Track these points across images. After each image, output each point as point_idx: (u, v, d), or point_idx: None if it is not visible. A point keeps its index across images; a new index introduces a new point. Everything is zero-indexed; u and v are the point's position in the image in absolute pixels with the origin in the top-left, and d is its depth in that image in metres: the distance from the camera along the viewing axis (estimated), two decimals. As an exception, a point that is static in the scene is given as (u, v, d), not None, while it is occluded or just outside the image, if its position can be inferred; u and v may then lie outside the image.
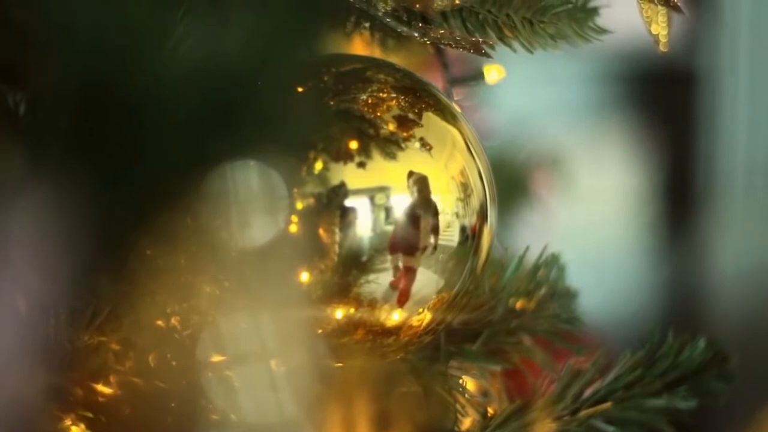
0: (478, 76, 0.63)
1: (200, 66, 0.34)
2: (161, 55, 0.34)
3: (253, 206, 0.38)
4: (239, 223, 0.38)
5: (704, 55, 2.32)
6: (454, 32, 0.54)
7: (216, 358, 0.44)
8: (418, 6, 0.53)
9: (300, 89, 0.43)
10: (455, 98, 0.58)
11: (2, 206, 0.36)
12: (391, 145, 0.49)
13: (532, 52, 0.55)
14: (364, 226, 0.48)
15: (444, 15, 0.54)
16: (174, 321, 0.45)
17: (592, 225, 2.30)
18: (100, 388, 0.45)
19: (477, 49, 0.53)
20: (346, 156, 0.48)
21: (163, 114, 0.34)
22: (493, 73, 0.63)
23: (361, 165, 0.49)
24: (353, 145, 0.49)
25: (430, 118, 0.51)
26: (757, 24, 2.31)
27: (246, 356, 0.43)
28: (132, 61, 0.34)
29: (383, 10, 0.52)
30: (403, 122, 0.50)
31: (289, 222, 0.45)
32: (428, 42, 0.53)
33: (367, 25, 0.55)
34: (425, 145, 0.50)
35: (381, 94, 0.51)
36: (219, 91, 0.34)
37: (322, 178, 0.48)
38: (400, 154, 0.50)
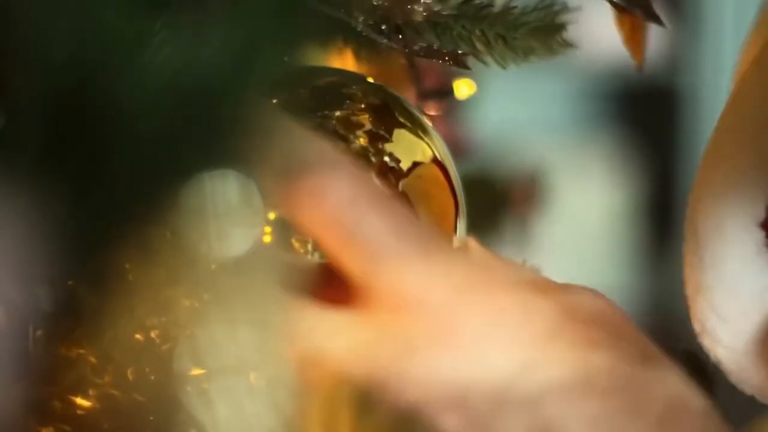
0: (449, 91, 0.63)
1: (177, 76, 0.34)
2: (137, 65, 0.34)
3: (230, 218, 0.38)
4: (216, 235, 0.38)
5: (687, 72, 2.34)
6: (434, 44, 0.54)
7: (195, 372, 0.44)
8: (395, 16, 0.53)
9: (275, 101, 0.43)
10: (429, 112, 0.59)
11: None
12: (361, 159, 0.50)
13: (504, 68, 0.56)
14: None
15: (417, 30, 0.54)
16: (153, 334, 0.45)
17: (573, 242, 2.31)
18: (79, 401, 0.45)
19: (457, 62, 0.54)
20: None
21: (139, 124, 0.34)
22: (463, 88, 0.63)
23: None
24: None
25: (399, 132, 0.52)
26: (740, 42, 2.33)
27: (225, 369, 0.43)
28: (107, 70, 0.34)
29: (362, 22, 0.52)
30: (373, 137, 0.51)
31: (263, 234, 0.45)
32: (408, 54, 0.54)
33: (342, 36, 0.55)
34: (394, 159, 0.51)
35: (353, 109, 0.51)
36: (195, 102, 0.34)
37: None
38: (370, 168, 0.50)
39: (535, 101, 2.20)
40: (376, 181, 0.48)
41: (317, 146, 0.43)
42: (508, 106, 1.81)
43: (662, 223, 2.39)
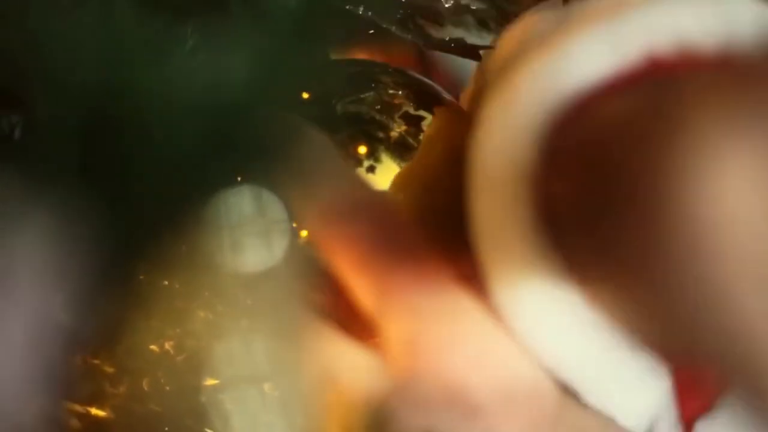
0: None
1: (204, 90, 0.34)
2: (163, 80, 0.34)
3: (252, 232, 0.39)
4: (237, 249, 0.39)
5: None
6: (452, 38, 0.54)
7: (210, 382, 0.45)
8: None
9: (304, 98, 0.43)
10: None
11: (1, 229, 0.37)
12: (400, 148, 0.49)
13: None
14: None
15: (437, 21, 0.54)
16: (168, 345, 0.45)
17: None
18: (95, 411, 0.46)
19: (474, 55, 0.54)
20: (354, 162, 0.48)
21: (164, 139, 0.35)
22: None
23: (371, 169, 0.48)
24: (362, 149, 0.49)
25: (436, 111, 0.51)
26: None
27: (240, 380, 0.44)
28: (132, 86, 0.34)
29: (385, 17, 0.52)
30: (412, 120, 0.50)
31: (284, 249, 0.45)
32: (425, 47, 0.53)
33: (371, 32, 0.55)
34: None
35: (389, 95, 0.51)
36: (221, 115, 0.35)
37: None
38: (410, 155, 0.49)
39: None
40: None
41: (347, 179, 0.42)
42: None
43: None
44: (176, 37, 0.34)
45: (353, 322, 0.45)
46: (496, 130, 0.39)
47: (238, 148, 0.36)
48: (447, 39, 0.54)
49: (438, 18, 0.53)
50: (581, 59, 0.37)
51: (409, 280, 0.42)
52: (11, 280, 0.36)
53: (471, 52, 0.54)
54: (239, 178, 0.37)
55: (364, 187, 0.42)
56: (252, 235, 0.39)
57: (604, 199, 0.35)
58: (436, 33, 0.54)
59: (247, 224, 0.39)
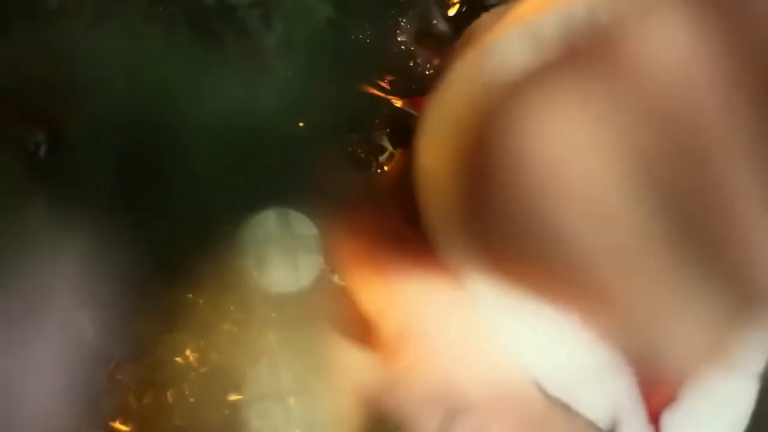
0: None
1: (235, 112, 0.34)
2: (194, 103, 0.34)
3: (282, 249, 0.39)
4: (266, 269, 0.39)
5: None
6: None
7: (234, 397, 0.45)
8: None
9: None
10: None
11: (31, 248, 0.37)
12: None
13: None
14: None
15: None
16: (192, 358, 0.45)
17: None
18: (119, 426, 0.46)
19: None
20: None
21: (194, 160, 0.35)
22: None
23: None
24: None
25: None
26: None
27: (267, 395, 0.44)
28: (164, 108, 0.34)
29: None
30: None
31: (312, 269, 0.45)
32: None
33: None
34: None
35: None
36: (252, 137, 0.35)
37: None
38: None
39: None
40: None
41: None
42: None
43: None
44: (209, 61, 0.34)
45: (367, 333, 0.45)
46: (435, 121, 0.41)
47: (268, 169, 0.35)
48: None
49: None
50: (506, 52, 0.39)
51: (405, 275, 0.42)
52: (43, 298, 0.37)
53: None
54: (269, 199, 0.37)
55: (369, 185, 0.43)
56: (280, 254, 0.39)
57: (480, 183, 0.38)
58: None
59: (275, 243, 0.39)
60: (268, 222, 0.37)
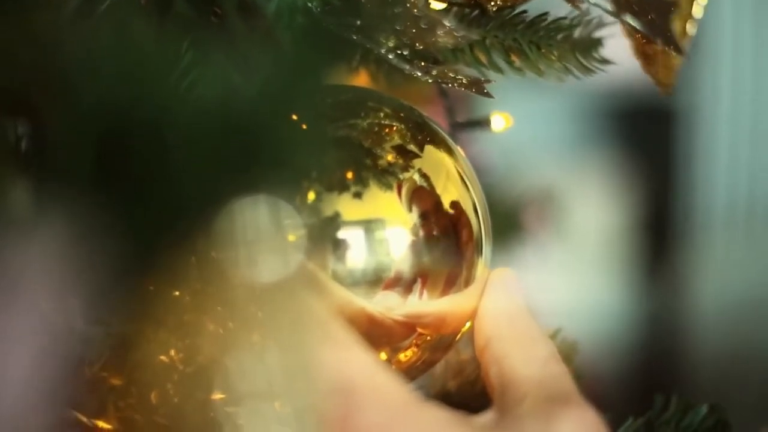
0: (484, 123, 0.61)
1: (211, 101, 0.34)
2: (171, 91, 0.34)
3: (263, 243, 0.38)
4: (248, 260, 0.38)
5: (684, 92, 2.34)
6: (454, 69, 0.53)
7: (219, 396, 0.44)
8: (419, 44, 0.52)
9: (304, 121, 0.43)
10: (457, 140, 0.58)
11: (10, 239, 0.36)
12: (388, 176, 0.49)
13: (541, 75, 0.55)
14: (357, 258, 0.48)
15: (436, 57, 0.53)
16: (177, 357, 0.45)
17: (570, 259, 2.31)
18: (102, 424, 0.45)
19: (477, 88, 0.53)
20: (341, 186, 0.48)
21: (176, 150, 0.34)
22: (499, 120, 0.61)
23: (357, 195, 0.48)
24: (349, 174, 0.48)
25: (429, 149, 0.51)
26: (738, 62, 2.34)
27: (251, 394, 0.43)
28: (146, 98, 0.34)
29: (386, 48, 0.52)
30: (403, 153, 0.50)
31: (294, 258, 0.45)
32: (430, 81, 0.53)
33: (372, 60, 0.55)
34: (423, 175, 0.50)
35: (380, 125, 0.50)
36: (229, 127, 0.34)
37: (315, 208, 0.47)
38: (396, 185, 0.49)
39: (532, 120, 2.20)
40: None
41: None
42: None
43: (659, 242, 2.39)
44: (192, 50, 0.34)
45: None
46: None
47: (251, 159, 0.35)
48: (450, 70, 0.53)
49: (438, 51, 0.53)
50: None
51: None
52: (21, 291, 0.36)
53: (476, 85, 0.53)
54: (253, 190, 0.36)
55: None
56: (265, 247, 0.39)
57: None
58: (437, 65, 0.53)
59: (259, 236, 0.38)
60: (252, 214, 0.37)
